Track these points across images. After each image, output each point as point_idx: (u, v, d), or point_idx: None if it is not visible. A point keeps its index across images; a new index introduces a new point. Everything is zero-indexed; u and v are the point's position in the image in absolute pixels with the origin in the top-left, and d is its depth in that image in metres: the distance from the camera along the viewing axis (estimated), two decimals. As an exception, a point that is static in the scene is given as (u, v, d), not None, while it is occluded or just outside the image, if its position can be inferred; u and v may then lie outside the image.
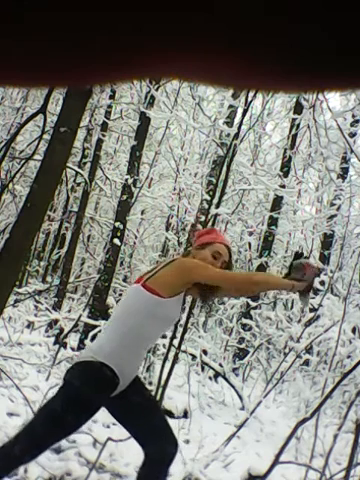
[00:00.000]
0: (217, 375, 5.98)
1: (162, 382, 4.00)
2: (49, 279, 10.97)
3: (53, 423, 1.79)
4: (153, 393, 4.04)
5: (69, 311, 8.40)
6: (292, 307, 9.65)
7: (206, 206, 6.04)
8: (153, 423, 1.93)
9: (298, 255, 2.01)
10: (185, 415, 4.46)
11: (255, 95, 4.51)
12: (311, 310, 5.24)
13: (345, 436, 3.74)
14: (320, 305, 4.81)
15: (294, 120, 7.72)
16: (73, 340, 6.40)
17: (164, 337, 5.37)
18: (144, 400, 1.95)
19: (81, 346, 6.06)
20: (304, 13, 0.16)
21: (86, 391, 1.78)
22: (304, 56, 0.17)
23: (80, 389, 1.77)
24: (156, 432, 1.92)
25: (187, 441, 3.84)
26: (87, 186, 8.21)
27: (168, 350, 4.16)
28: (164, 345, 4.81)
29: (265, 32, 0.16)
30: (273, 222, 8.58)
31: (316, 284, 6.34)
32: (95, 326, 5.76)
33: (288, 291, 1.98)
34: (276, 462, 2.90)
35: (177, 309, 1.88)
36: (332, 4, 0.16)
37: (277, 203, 8.47)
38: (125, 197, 7.53)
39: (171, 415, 4.42)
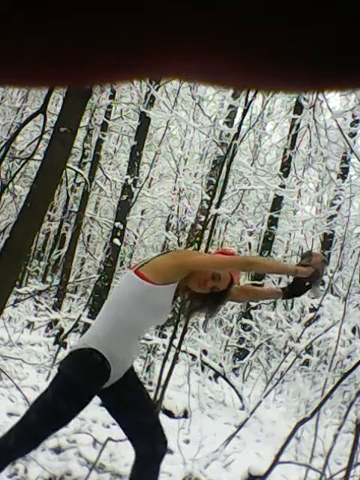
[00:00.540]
0: (217, 375, 5.98)
1: (162, 382, 4.00)
2: (49, 279, 10.97)
3: (46, 412, 1.80)
4: (153, 393, 4.04)
5: (69, 311, 8.40)
6: (292, 307, 9.65)
7: (206, 206, 6.04)
8: (145, 421, 1.92)
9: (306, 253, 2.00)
10: (185, 415, 4.46)
11: (255, 95, 4.51)
12: (311, 310, 5.23)
13: (345, 436, 3.74)
14: (320, 305, 4.81)
15: (294, 120, 7.72)
16: (73, 340, 6.40)
17: (164, 337, 5.37)
18: (138, 397, 1.94)
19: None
20: (304, 13, 0.16)
21: (77, 378, 1.79)
22: (304, 56, 0.17)
23: (71, 376, 1.80)
24: (147, 430, 1.92)
25: (187, 441, 3.84)
26: (87, 186, 8.21)
27: (168, 350, 4.15)
28: (164, 345, 4.81)
29: (265, 32, 0.16)
30: (273, 222, 8.58)
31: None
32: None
33: (293, 275, 1.94)
34: (276, 462, 2.90)
35: (168, 298, 1.84)
36: (332, 4, 0.16)
37: (277, 203, 8.47)
38: (125, 197, 7.53)
39: (171, 415, 4.42)
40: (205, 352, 5.80)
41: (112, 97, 8.73)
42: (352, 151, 5.08)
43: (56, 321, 6.36)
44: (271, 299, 2.38)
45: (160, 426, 1.94)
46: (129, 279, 1.86)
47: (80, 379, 1.79)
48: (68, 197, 9.26)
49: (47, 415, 1.80)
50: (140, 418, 1.92)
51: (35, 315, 7.57)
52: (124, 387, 1.90)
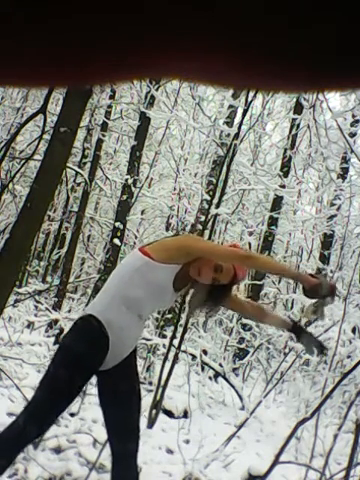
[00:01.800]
0: (217, 375, 5.98)
1: (162, 382, 4.00)
2: (49, 279, 10.96)
3: (50, 385, 1.81)
4: (153, 393, 4.03)
5: (69, 311, 8.40)
6: (292, 307, 9.65)
7: (206, 206, 6.04)
8: (127, 419, 1.91)
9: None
10: (185, 415, 4.46)
11: (255, 95, 4.51)
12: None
13: (345, 436, 3.74)
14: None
15: (294, 120, 7.72)
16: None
17: (164, 337, 5.37)
18: (131, 394, 1.92)
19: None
20: (304, 13, 0.16)
21: (76, 345, 1.81)
22: (304, 56, 0.17)
23: (70, 344, 1.83)
24: (126, 430, 1.91)
25: (187, 441, 3.84)
26: (87, 186, 8.21)
27: (168, 350, 4.16)
28: (164, 345, 4.81)
29: (265, 32, 0.16)
30: (273, 222, 8.58)
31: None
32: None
33: (294, 279, 1.91)
34: (276, 462, 2.90)
35: (167, 278, 1.83)
36: (332, 4, 0.16)
37: (277, 203, 8.46)
38: (125, 197, 7.53)
39: (171, 415, 4.42)
40: (205, 352, 5.80)
41: (112, 97, 8.73)
42: (352, 151, 5.08)
43: (56, 321, 6.36)
44: (276, 327, 2.30)
45: (139, 428, 1.93)
46: (132, 254, 1.92)
47: (78, 345, 1.81)
48: (68, 197, 9.26)
49: (51, 388, 1.81)
50: (124, 414, 1.90)
51: (35, 315, 7.57)
52: (121, 378, 1.89)
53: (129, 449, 1.89)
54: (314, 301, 1.88)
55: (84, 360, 1.81)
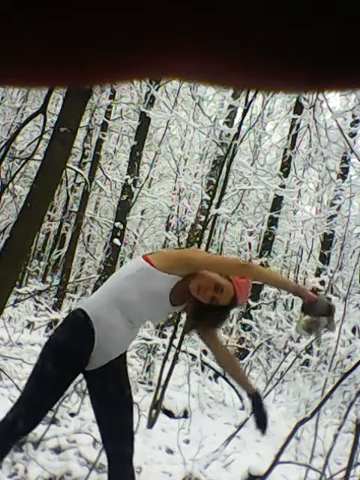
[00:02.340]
0: (217, 375, 5.98)
1: (162, 382, 4.00)
2: (49, 279, 10.96)
3: (36, 380, 1.82)
4: (153, 393, 4.04)
5: (69, 311, 8.39)
6: (292, 307, 9.66)
7: (206, 206, 6.04)
8: (120, 422, 1.90)
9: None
10: (185, 415, 4.46)
11: (255, 95, 4.51)
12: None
13: (345, 436, 3.74)
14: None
15: (294, 120, 7.72)
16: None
17: (164, 337, 5.37)
18: (119, 396, 1.90)
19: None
20: (304, 13, 0.16)
21: (61, 336, 1.84)
22: (304, 56, 0.17)
23: (56, 336, 1.86)
24: (120, 432, 1.90)
25: (187, 441, 3.84)
26: (87, 186, 8.21)
27: (168, 350, 4.16)
28: (164, 345, 4.81)
29: (265, 32, 0.16)
30: (273, 222, 8.58)
31: (316, 286, 6.34)
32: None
33: (293, 293, 1.88)
34: (276, 462, 2.90)
35: (163, 288, 1.82)
36: (332, 4, 0.16)
37: (277, 203, 8.46)
38: (125, 197, 7.54)
39: (171, 415, 4.42)
40: (205, 352, 5.80)
41: (112, 97, 8.74)
42: (352, 151, 5.08)
43: (56, 321, 6.35)
44: (239, 386, 2.21)
45: (132, 429, 1.91)
46: (135, 260, 1.95)
47: (64, 337, 1.83)
48: (68, 197, 9.26)
49: (37, 381, 1.82)
50: (114, 417, 1.89)
51: (35, 315, 7.56)
52: (110, 381, 1.88)
53: (122, 451, 1.87)
54: (309, 318, 1.83)
55: (69, 352, 1.81)
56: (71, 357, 1.82)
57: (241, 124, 4.60)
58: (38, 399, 1.82)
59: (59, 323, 1.94)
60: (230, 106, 6.88)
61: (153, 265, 1.81)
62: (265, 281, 2.03)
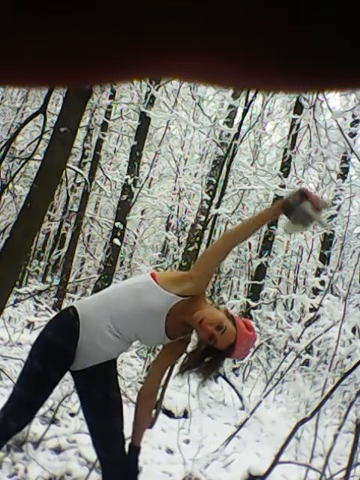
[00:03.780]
0: (217, 375, 5.98)
1: (162, 382, 4.00)
2: (49, 279, 10.96)
3: (25, 374, 1.83)
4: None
5: (69, 311, 8.38)
6: (292, 307, 9.66)
7: (206, 206, 6.04)
8: (106, 427, 1.88)
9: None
10: (185, 415, 4.46)
11: (255, 95, 4.51)
12: (311, 310, 5.23)
13: (345, 436, 3.74)
14: (320, 305, 4.81)
15: (294, 120, 7.72)
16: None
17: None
18: (105, 401, 1.88)
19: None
20: (304, 13, 0.16)
21: (47, 332, 1.84)
22: (304, 56, 0.17)
23: (42, 332, 1.86)
24: (107, 437, 1.88)
25: (187, 441, 3.84)
26: (87, 186, 8.21)
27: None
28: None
29: (265, 32, 0.16)
30: (273, 222, 8.58)
31: (317, 285, 6.34)
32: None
33: (271, 218, 1.83)
34: (276, 462, 2.90)
35: (161, 307, 1.78)
36: (332, 3, 0.16)
37: (277, 203, 8.45)
38: (125, 197, 7.54)
39: (171, 415, 4.42)
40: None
41: (112, 97, 8.74)
42: (352, 151, 5.08)
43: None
44: (132, 429, 2.15)
45: (123, 433, 1.89)
46: (143, 274, 1.95)
47: (50, 332, 1.84)
48: (68, 197, 9.26)
49: (26, 376, 1.82)
50: (100, 421, 1.88)
51: (35, 315, 7.56)
52: (96, 386, 1.86)
53: (110, 457, 1.86)
54: (292, 214, 1.77)
55: (54, 348, 1.81)
56: (56, 354, 1.82)
57: (241, 124, 4.60)
58: (26, 396, 1.82)
59: (51, 318, 1.94)
60: (230, 106, 6.88)
61: (156, 280, 1.81)
62: (250, 231, 1.90)
